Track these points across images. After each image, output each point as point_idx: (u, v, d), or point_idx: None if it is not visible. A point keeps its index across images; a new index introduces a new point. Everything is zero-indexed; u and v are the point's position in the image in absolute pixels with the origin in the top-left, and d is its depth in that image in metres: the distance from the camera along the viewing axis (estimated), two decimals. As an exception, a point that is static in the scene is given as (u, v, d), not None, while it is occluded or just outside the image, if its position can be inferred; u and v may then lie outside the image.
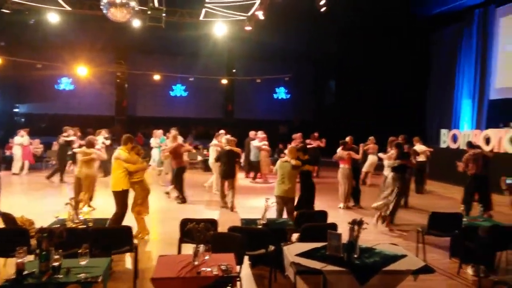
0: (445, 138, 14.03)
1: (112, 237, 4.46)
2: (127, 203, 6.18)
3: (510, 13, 14.32)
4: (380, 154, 9.28)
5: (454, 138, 13.59)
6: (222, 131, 10.78)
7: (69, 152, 11.32)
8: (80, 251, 3.23)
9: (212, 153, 10.29)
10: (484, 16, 15.33)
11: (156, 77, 19.58)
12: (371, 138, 11.62)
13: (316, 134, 13.17)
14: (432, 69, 18.28)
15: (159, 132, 12.75)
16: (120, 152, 6.12)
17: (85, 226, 4.70)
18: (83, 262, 3.20)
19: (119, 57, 20.17)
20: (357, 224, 3.65)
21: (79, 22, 15.49)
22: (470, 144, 8.21)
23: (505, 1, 14.39)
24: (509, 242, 4.88)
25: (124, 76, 20.38)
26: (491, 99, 14.98)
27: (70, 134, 11.49)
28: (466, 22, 16.05)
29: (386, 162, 7.99)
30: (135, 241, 5.58)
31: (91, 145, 7.69)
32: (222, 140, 9.51)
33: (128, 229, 4.54)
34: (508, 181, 4.82)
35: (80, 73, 16.76)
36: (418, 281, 3.56)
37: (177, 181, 9.11)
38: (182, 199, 9.10)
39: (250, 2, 12.90)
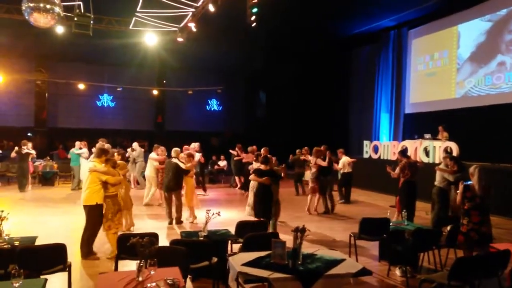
0: (367, 149, 14.98)
1: (42, 256, 4.13)
2: (101, 219, 5.94)
3: (420, 36, 15.87)
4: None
5: (375, 149, 14.58)
6: (155, 145, 10.52)
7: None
8: (13, 271, 2.96)
9: (150, 166, 9.97)
10: (399, 37, 16.74)
11: (81, 86, 18.57)
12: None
13: (239, 145, 13.44)
14: (353, 85, 19.52)
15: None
16: (96, 164, 5.95)
17: (9, 245, 4.32)
18: (16, 284, 2.93)
19: (40, 64, 18.83)
20: (300, 232, 3.79)
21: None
22: (404, 153, 8.60)
23: (415, 25, 15.92)
24: (430, 243, 5.39)
25: (45, 85, 19.06)
26: (407, 113, 16.40)
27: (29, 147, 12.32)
28: (383, 43, 17.36)
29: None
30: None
31: None
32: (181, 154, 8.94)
33: (61, 246, 4.24)
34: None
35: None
36: (353, 284, 3.78)
37: None
38: None
39: (182, 13, 12.85)
